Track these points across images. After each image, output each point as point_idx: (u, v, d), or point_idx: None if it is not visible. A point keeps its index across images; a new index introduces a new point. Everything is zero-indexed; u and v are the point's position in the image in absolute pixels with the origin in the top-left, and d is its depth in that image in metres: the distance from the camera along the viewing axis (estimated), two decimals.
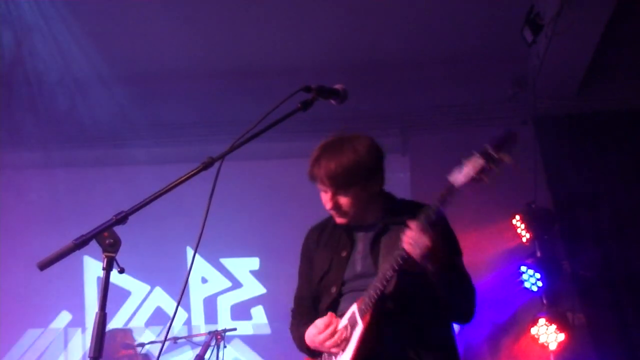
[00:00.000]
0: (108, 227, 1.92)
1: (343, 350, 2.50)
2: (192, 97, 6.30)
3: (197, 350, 4.88)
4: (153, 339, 5.72)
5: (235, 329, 5.24)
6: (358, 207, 2.57)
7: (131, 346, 5.37)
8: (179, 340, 5.40)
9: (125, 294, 6.41)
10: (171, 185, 2.05)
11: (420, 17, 5.47)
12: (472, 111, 6.13)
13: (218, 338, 4.91)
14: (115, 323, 6.26)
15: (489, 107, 6.12)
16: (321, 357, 2.62)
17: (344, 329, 2.51)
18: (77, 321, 6.40)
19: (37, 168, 6.48)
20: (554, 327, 5.37)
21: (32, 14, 5.42)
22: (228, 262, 6.49)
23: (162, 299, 6.43)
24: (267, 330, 6.20)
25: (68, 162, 6.45)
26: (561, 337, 5.37)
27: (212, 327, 5.38)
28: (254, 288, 6.38)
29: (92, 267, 6.38)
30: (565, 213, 5.82)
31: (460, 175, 2.26)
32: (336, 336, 2.50)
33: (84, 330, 6.39)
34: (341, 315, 2.56)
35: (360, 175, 2.53)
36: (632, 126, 5.84)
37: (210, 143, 5.88)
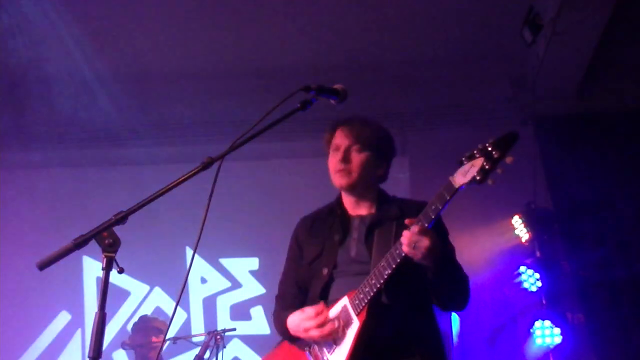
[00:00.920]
0: (107, 227, 1.92)
1: (337, 345, 2.48)
2: (192, 97, 6.30)
3: (197, 351, 4.87)
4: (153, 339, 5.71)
5: (234, 329, 5.22)
6: (364, 172, 2.63)
7: (163, 332, 5.38)
8: (178, 340, 5.39)
9: (124, 294, 6.41)
10: (171, 185, 2.06)
11: (420, 17, 5.47)
12: (472, 111, 6.13)
13: (217, 338, 4.89)
14: (114, 323, 6.26)
15: (489, 107, 6.12)
16: (310, 347, 2.60)
17: (335, 320, 2.49)
18: (77, 321, 6.40)
19: (37, 168, 6.48)
20: (553, 327, 5.37)
21: (32, 15, 5.42)
22: (227, 262, 6.48)
23: (162, 299, 6.42)
24: (266, 331, 6.19)
25: (68, 162, 6.45)
26: (560, 337, 5.37)
27: (212, 327, 5.37)
28: (253, 288, 6.37)
29: (92, 267, 6.38)
30: (564, 213, 5.82)
31: (460, 175, 2.23)
32: (326, 327, 2.48)
33: (83, 331, 6.39)
34: (332, 303, 2.54)
35: (381, 144, 2.71)
36: (632, 126, 5.84)
37: (210, 143, 5.88)
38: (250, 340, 6.23)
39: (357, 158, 2.64)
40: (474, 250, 5.39)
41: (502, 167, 2.17)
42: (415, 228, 2.31)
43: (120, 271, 1.90)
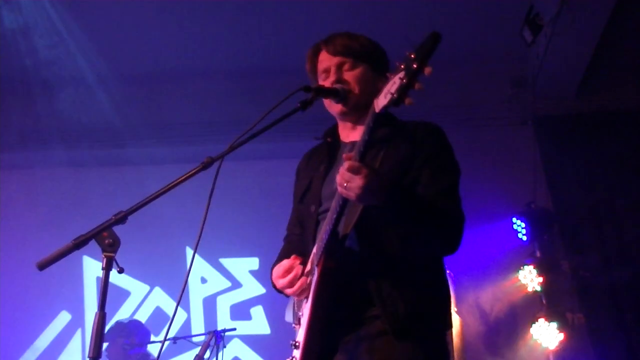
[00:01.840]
0: (107, 227, 1.92)
1: (306, 300, 2.24)
2: (192, 97, 6.30)
3: (197, 350, 4.87)
4: (152, 339, 5.71)
5: (234, 329, 5.23)
6: (364, 87, 2.32)
7: (131, 343, 5.41)
8: (179, 340, 5.39)
9: (124, 294, 6.41)
10: (171, 185, 2.06)
11: (419, 17, 5.46)
12: (472, 111, 6.13)
13: (217, 338, 4.90)
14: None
15: (489, 107, 6.12)
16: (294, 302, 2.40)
17: (307, 275, 2.25)
18: (77, 321, 6.40)
19: (37, 168, 6.48)
20: (553, 327, 5.37)
21: (32, 15, 5.42)
22: (227, 262, 6.48)
23: (162, 299, 6.42)
24: (266, 330, 6.19)
25: (68, 162, 6.44)
26: (560, 337, 5.37)
27: (212, 327, 5.37)
28: (253, 288, 6.37)
29: (92, 267, 6.38)
30: (564, 213, 5.82)
31: (382, 96, 1.95)
32: (296, 284, 2.25)
33: (83, 331, 6.39)
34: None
35: (375, 54, 2.38)
36: (632, 126, 5.84)
37: (210, 143, 5.87)
38: (250, 340, 6.23)
39: (352, 74, 2.34)
40: (474, 250, 5.39)
41: (421, 81, 1.87)
42: (345, 164, 2.02)
43: (120, 271, 1.91)
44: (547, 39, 5.05)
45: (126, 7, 5.41)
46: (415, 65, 1.83)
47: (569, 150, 5.93)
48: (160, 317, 6.33)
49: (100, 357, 1.83)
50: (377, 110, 1.97)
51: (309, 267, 2.29)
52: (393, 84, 1.90)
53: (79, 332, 6.40)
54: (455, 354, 4.84)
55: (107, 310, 1.89)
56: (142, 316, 6.39)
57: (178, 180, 2.07)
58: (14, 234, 6.21)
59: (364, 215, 2.14)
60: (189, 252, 6.23)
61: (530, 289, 5.62)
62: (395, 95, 1.87)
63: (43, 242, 5.46)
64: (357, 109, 2.34)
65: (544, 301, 5.60)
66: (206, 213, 2.12)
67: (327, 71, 2.38)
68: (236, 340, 6.19)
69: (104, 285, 1.89)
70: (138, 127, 6.29)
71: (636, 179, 5.75)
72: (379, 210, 2.08)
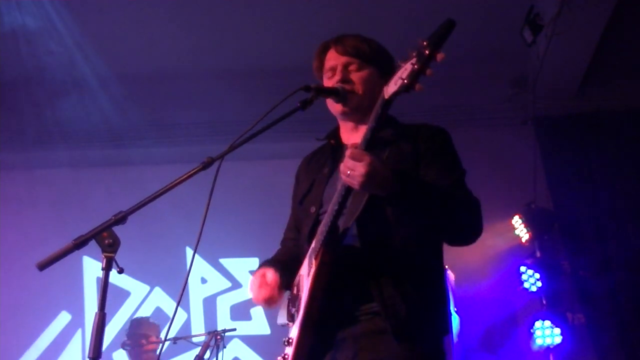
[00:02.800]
0: (107, 227, 1.92)
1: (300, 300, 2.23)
2: (192, 97, 6.30)
3: (197, 351, 4.87)
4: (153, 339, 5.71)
5: (234, 329, 5.23)
6: (369, 90, 2.31)
7: (151, 337, 5.46)
8: (179, 341, 5.39)
9: (124, 294, 6.40)
10: (171, 185, 2.06)
11: (419, 17, 5.46)
12: (472, 111, 6.13)
13: (217, 338, 4.89)
14: (114, 323, 6.26)
15: (489, 107, 6.12)
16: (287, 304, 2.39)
17: (267, 288, 2.28)
18: (77, 321, 6.39)
19: (37, 168, 6.48)
20: (553, 327, 5.37)
21: (32, 15, 5.42)
22: (228, 263, 6.48)
23: (162, 299, 6.42)
24: (266, 331, 6.19)
25: (68, 162, 6.44)
26: (560, 337, 5.37)
27: (212, 328, 5.37)
28: None
29: (92, 267, 6.37)
30: (565, 213, 5.82)
31: (392, 84, 1.97)
32: (260, 293, 2.31)
33: (83, 331, 6.39)
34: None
35: (383, 59, 2.38)
36: (632, 126, 5.85)
37: (210, 143, 5.87)
38: (251, 340, 6.23)
39: (358, 75, 2.33)
40: (474, 251, 5.39)
41: (432, 66, 1.88)
42: (348, 152, 2.00)
43: (120, 271, 1.91)
44: (547, 39, 5.05)
45: (126, 7, 5.40)
46: (427, 52, 1.85)
47: (569, 150, 5.94)
48: (160, 318, 6.31)
49: (100, 357, 1.83)
50: (386, 96, 1.98)
51: (304, 265, 2.27)
52: (404, 71, 1.92)
53: (79, 332, 6.40)
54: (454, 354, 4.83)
55: (107, 310, 1.89)
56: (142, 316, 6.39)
57: (178, 180, 2.06)
58: (14, 234, 6.20)
59: (368, 208, 2.11)
60: (189, 252, 6.23)
61: (530, 289, 5.62)
62: (406, 80, 1.89)
63: (43, 242, 5.46)
64: (358, 110, 2.34)
65: (543, 301, 5.60)
66: (206, 213, 2.12)
67: (333, 69, 2.38)
68: (236, 341, 6.19)
69: (104, 286, 1.89)
70: (138, 127, 6.29)
71: (636, 179, 5.75)
72: (394, 202, 2.04)
